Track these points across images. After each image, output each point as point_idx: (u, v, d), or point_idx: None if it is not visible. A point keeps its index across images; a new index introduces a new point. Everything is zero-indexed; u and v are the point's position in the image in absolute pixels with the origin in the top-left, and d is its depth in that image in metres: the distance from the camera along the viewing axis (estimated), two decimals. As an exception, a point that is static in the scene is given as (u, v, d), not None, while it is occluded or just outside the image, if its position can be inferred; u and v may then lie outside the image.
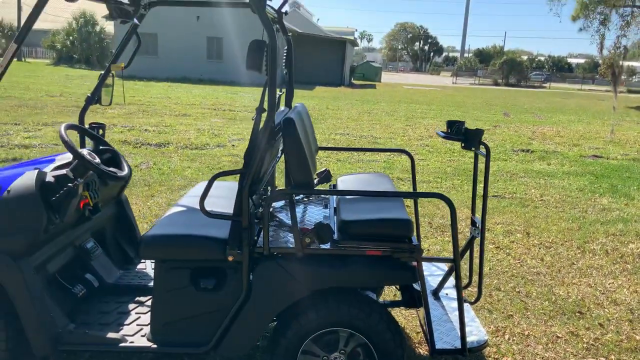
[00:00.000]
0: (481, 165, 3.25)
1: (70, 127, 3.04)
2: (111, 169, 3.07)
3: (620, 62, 21.44)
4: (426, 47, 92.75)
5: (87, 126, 3.65)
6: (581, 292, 4.57)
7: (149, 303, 3.16)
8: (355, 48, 51.98)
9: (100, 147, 3.35)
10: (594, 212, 7.10)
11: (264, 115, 2.68)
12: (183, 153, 9.68)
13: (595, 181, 9.08)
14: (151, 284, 3.35)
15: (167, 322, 2.74)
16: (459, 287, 2.72)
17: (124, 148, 9.89)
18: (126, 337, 2.78)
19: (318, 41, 36.16)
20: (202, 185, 3.76)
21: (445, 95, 31.12)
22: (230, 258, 2.62)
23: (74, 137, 3.37)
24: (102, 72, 3.66)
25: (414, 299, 2.96)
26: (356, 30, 63.15)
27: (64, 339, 2.72)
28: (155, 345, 2.72)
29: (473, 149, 3.04)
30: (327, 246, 2.66)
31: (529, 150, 11.97)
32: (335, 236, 2.71)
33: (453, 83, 51.32)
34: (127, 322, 2.96)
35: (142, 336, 2.81)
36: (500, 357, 3.48)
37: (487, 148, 3.02)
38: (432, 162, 10.00)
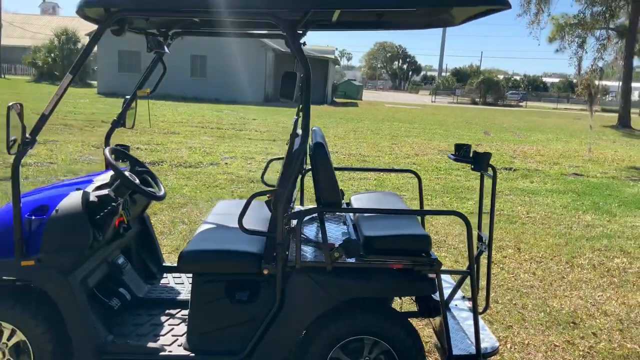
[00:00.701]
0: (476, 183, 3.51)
1: (112, 150, 3.25)
2: (149, 189, 3.28)
3: (597, 83, 22.21)
4: (405, 66, 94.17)
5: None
6: (573, 304, 4.86)
7: (179, 315, 3.36)
8: (336, 67, 52.60)
9: (137, 168, 3.56)
10: (578, 229, 7.45)
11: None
12: (178, 171, 9.84)
13: (578, 199, 9.47)
14: (179, 297, 3.55)
15: (204, 332, 2.93)
16: (474, 296, 2.98)
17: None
18: (164, 347, 2.96)
19: (301, 60, 36.57)
20: (223, 203, 3.98)
21: (426, 114, 31.70)
22: (265, 271, 2.84)
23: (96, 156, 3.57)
24: (128, 96, 3.89)
25: (430, 309, 3.19)
26: (336, 49, 63.96)
27: (107, 349, 2.90)
28: (193, 354, 2.91)
29: (483, 171, 3.31)
30: (352, 260, 2.90)
31: (511, 169, 12.37)
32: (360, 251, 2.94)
33: (432, 102, 52.16)
34: (162, 333, 3.14)
35: (179, 346, 3.00)
36: (506, 364, 3.73)
37: (494, 170, 3.30)
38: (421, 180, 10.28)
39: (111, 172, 3.42)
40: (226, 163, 10.98)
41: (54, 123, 15.86)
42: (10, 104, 2.62)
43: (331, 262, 2.84)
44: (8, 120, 2.59)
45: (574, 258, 6.13)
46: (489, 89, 53.00)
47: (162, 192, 3.39)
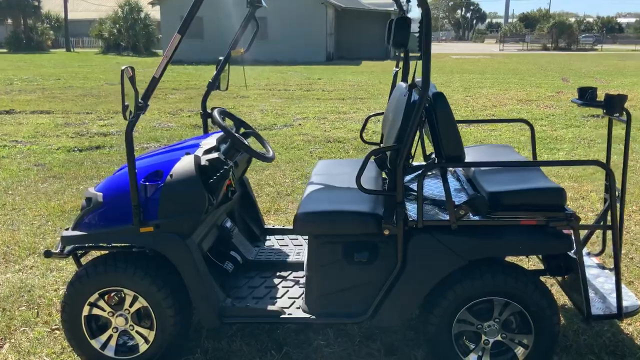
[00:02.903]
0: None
1: (220, 112, 3.17)
2: (259, 151, 3.19)
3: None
4: (468, 15, 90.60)
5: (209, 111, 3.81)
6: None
7: (291, 277, 3.29)
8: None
9: (243, 130, 3.47)
10: (686, 176, 6.91)
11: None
12: (254, 134, 9.81)
13: (680, 144, 8.80)
14: (288, 259, 3.48)
15: (322, 294, 2.84)
16: (616, 252, 2.75)
17: (197, 132, 10.11)
18: (284, 310, 2.90)
19: (362, 15, 35.79)
20: (323, 163, 3.85)
21: (497, 63, 30.42)
22: (386, 232, 2.69)
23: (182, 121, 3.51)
24: (221, 61, 3.76)
25: (560, 267, 2.97)
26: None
27: (227, 312, 2.86)
28: (313, 316, 2.83)
29: (617, 115, 3.02)
30: (477, 218, 2.71)
31: (599, 116, 11.63)
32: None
33: (500, 50, 50.07)
34: (278, 295, 3.08)
35: (297, 308, 2.93)
36: (633, 322, 3.48)
37: (629, 114, 3.00)
38: (504, 131, 9.85)
39: (215, 136, 3.35)
40: (300, 124, 10.87)
41: (127, 93, 16.17)
42: (123, 67, 2.54)
43: (456, 220, 2.66)
44: (122, 86, 2.51)
45: (687, 208, 5.68)
46: (561, 33, 50.28)
47: (271, 153, 3.29)
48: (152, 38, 40.59)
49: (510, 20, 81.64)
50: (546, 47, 50.78)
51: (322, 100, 14.53)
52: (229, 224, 3.45)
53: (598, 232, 3.71)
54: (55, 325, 3.46)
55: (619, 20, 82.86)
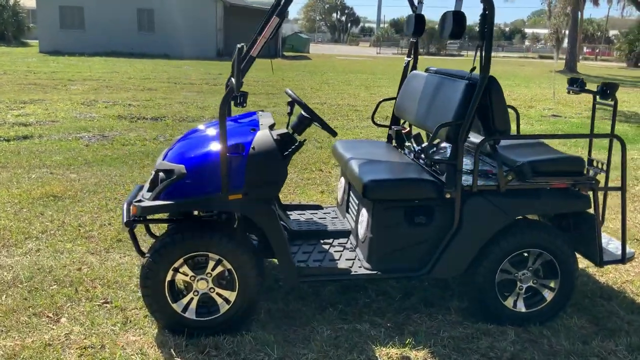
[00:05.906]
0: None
1: (291, 91, 3.42)
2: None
3: (564, 31, 23.05)
4: (343, 18, 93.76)
5: None
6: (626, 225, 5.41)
7: (336, 243, 3.61)
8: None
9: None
10: (587, 163, 8.06)
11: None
12: (186, 126, 9.79)
13: (570, 137, 10.13)
14: (327, 229, 3.79)
15: (386, 253, 3.22)
16: (624, 210, 3.40)
17: (122, 122, 9.87)
18: (350, 268, 3.23)
19: (250, 12, 35.92)
20: (342, 143, 4.17)
21: (382, 65, 32.04)
22: (447, 195, 3.13)
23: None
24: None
25: (569, 225, 3.57)
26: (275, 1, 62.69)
27: (303, 272, 3.14)
28: (379, 272, 3.20)
29: (610, 99, 3.67)
30: (516, 183, 3.23)
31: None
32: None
33: (377, 53, 52.55)
34: (335, 258, 3.39)
35: (360, 267, 3.27)
36: (605, 275, 4.22)
37: (616, 99, 3.67)
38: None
39: (265, 115, 3.58)
40: (227, 116, 10.96)
41: (22, 82, 15.17)
42: (239, 45, 2.73)
43: (505, 185, 3.17)
44: (238, 61, 2.70)
45: (601, 187, 6.71)
46: (431, 39, 53.81)
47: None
48: (23, 27, 37.66)
49: (382, 25, 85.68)
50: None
51: (234, 95, 14.62)
52: None
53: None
54: (102, 300, 3.49)
55: (477, 28, 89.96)
